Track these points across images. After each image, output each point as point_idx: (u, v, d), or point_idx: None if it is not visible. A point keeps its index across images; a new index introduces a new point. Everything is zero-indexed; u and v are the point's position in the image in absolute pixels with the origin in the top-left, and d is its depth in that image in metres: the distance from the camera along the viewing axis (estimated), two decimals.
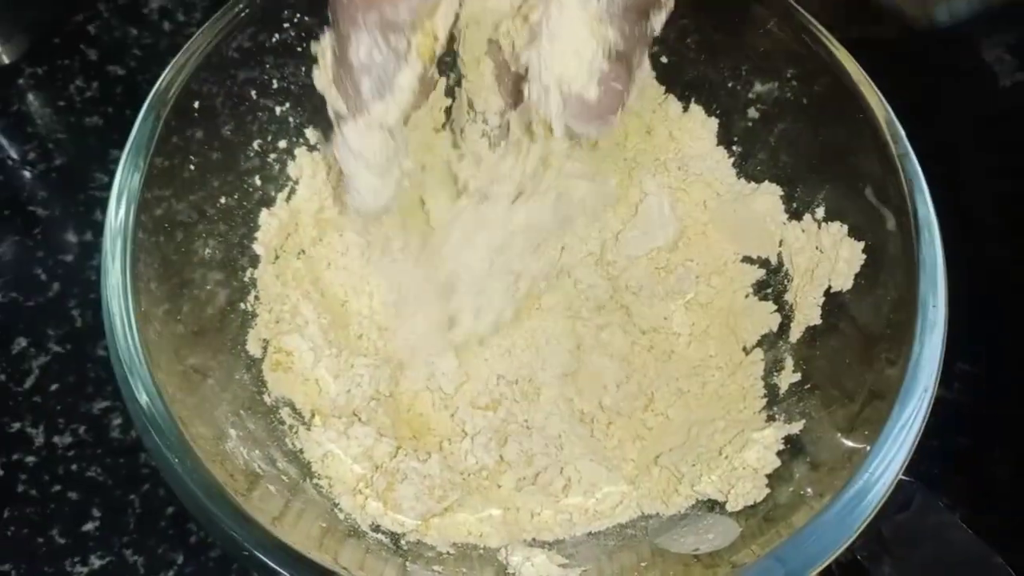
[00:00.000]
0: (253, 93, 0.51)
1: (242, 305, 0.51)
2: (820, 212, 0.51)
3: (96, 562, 0.54)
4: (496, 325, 0.53)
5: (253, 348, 0.51)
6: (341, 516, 0.47)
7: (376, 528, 0.47)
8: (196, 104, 0.47)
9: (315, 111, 0.54)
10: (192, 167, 0.48)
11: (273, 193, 0.54)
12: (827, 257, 0.50)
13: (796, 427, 0.48)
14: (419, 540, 0.48)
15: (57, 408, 0.58)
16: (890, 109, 0.46)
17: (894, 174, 0.45)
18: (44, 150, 0.66)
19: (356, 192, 0.46)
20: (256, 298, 0.52)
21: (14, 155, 0.66)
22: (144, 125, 0.45)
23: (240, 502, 0.38)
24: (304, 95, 0.53)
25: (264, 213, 0.53)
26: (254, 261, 0.52)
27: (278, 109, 0.53)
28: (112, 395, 0.58)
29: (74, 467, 0.56)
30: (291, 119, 0.54)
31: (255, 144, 0.52)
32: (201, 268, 0.49)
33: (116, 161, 0.63)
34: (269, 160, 0.53)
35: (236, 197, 0.51)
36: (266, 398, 0.50)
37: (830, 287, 0.49)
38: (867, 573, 0.46)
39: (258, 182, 0.53)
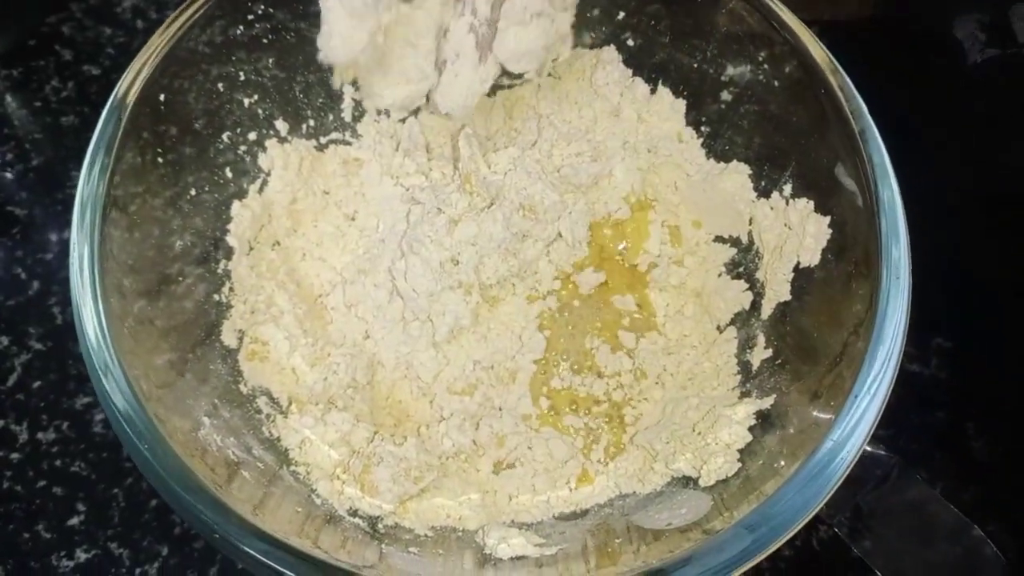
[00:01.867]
0: (220, 86, 0.51)
1: (216, 297, 0.52)
2: (788, 189, 0.51)
3: (82, 556, 0.54)
4: (452, 332, 0.54)
5: (228, 339, 0.51)
6: (318, 502, 0.47)
7: (354, 513, 0.48)
8: (162, 98, 0.47)
9: (285, 103, 0.55)
10: (161, 162, 0.48)
11: (245, 185, 0.54)
12: (795, 233, 0.50)
13: (767, 402, 0.48)
14: (397, 523, 0.48)
15: (40, 405, 0.58)
16: (850, 83, 0.46)
17: (856, 149, 0.45)
18: (21, 151, 0.66)
19: (327, 34, 0.45)
20: (231, 289, 0.52)
21: None
22: (107, 122, 0.45)
23: (219, 493, 0.39)
24: (273, 87, 0.54)
25: (237, 205, 0.53)
26: (228, 253, 0.53)
27: (246, 101, 0.53)
28: (94, 391, 0.58)
29: (58, 463, 0.57)
30: (260, 111, 0.54)
31: (224, 137, 0.53)
32: (176, 262, 0.49)
33: None
34: (240, 152, 0.54)
35: (208, 190, 0.51)
36: (242, 387, 0.50)
37: (799, 263, 0.50)
38: (847, 548, 0.47)
39: (229, 175, 0.53)
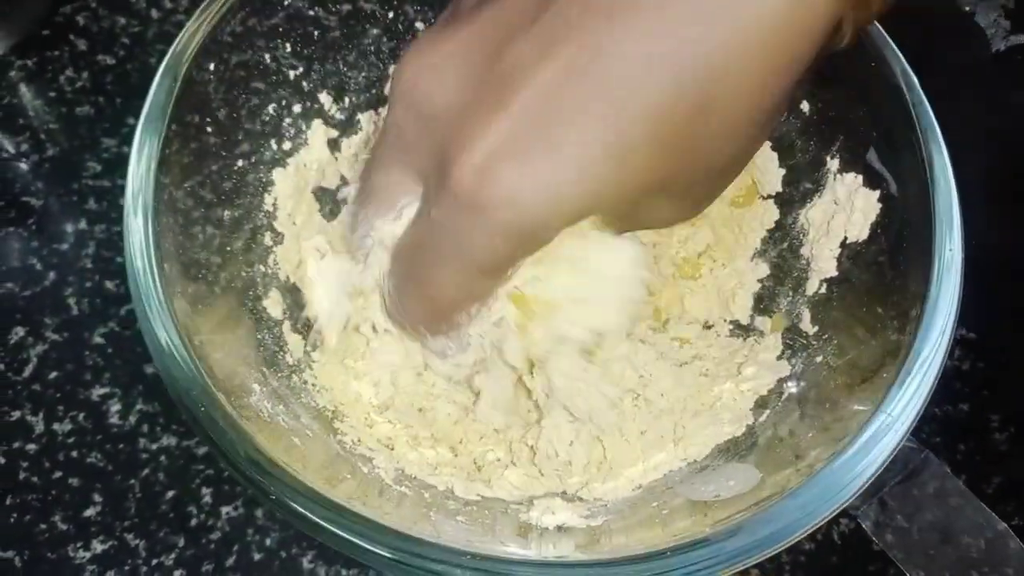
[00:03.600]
0: (267, 57, 0.51)
1: (263, 268, 0.51)
2: (835, 164, 0.51)
3: (98, 547, 0.53)
4: None
5: (273, 310, 0.50)
6: (366, 470, 0.46)
7: (400, 481, 0.47)
8: (211, 67, 0.46)
9: (327, 76, 0.54)
10: (209, 130, 0.47)
11: (288, 158, 0.53)
12: (842, 208, 0.49)
13: (813, 377, 0.48)
14: (443, 492, 0.47)
15: (56, 396, 0.57)
16: (903, 58, 0.46)
17: (908, 121, 0.45)
18: (36, 141, 0.65)
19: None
20: (275, 262, 0.51)
21: (7, 147, 0.65)
22: (161, 87, 0.44)
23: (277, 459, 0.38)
24: (316, 58, 0.53)
25: (279, 174, 0.52)
26: (272, 225, 0.52)
27: (292, 73, 0.52)
28: (110, 382, 0.58)
29: (74, 454, 0.56)
30: (305, 84, 0.53)
31: (270, 108, 0.52)
32: (225, 231, 0.49)
33: (108, 150, 0.64)
34: (284, 125, 0.53)
35: (253, 161, 0.51)
36: (288, 358, 0.49)
37: (846, 238, 0.49)
38: (869, 541, 0.46)
39: (275, 145, 0.52)
